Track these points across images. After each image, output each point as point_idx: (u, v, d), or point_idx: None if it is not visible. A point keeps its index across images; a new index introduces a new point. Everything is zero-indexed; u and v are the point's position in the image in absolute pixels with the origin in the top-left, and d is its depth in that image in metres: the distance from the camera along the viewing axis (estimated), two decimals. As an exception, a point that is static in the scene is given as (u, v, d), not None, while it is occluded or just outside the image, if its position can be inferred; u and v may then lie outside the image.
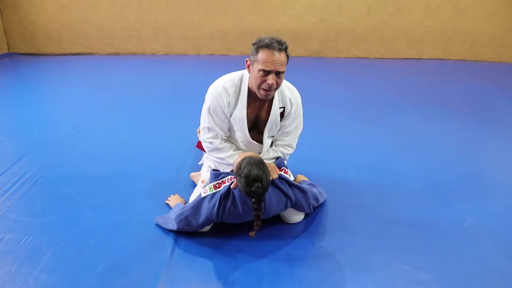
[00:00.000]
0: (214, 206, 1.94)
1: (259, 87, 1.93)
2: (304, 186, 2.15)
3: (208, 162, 2.29)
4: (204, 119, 2.12)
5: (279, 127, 2.16)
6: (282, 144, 2.22)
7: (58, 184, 2.61)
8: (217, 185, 1.98)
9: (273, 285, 1.78)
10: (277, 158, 2.22)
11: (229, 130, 2.16)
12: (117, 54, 6.41)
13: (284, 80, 2.06)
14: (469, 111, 4.02)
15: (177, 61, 6.05)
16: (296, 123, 2.19)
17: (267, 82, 1.88)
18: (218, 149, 2.12)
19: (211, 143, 2.13)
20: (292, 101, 2.11)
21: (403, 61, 6.15)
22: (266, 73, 1.87)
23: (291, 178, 2.13)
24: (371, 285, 1.81)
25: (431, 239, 2.11)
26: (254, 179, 1.77)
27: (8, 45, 6.40)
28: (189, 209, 2.01)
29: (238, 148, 2.20)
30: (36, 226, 2.19)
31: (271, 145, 2.26)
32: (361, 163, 2.93)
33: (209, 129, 2.11)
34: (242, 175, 1.80)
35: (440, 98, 4.45)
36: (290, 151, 2.24)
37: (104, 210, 2.34)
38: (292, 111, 2.12)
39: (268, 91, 1.92)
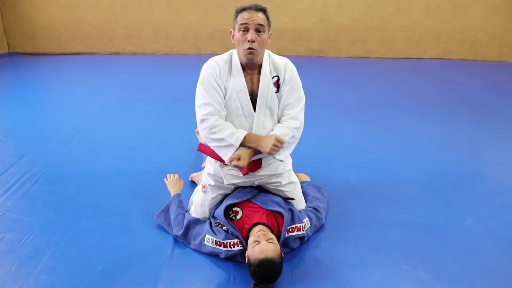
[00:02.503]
0: (218, 254, 1.96)
1: (242, 47, 1.91)
2: (305, 234, 2.03)
3: (209, 167, 2.21)
4: (199, 96, 1.98)
5: (276, 99, 2.01)
6: (287, 118, 2.02)
7: (58, 184, 2.61)
8: (218, 243, 1.94)
9: (273, 285, 1.77)
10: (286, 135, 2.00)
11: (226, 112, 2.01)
12: (117, 53, 6.40)
13: (273, 53, 2.06)
14: (469, 111, 4.02)
15: (177, 61, 6.05)
16: (296, 94, 2.03)
17: (247, 38, 1.88)
18: (215, 126, 1.91)
19: (206, 120, 1.92)
20: (286, 67, 2.01)
21: (403, 61, 6.14)
22: (246, 29, 1.89)
23: (307, 226, 2.05)
24: (371, 285, 1.81)
25: (431, 239, 2.11)
26: (262, 280, 1.74)
27: (8, 44, 6.40)
28: (192, 244, 2.02)
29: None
30: (36, 226, 2.19)
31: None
32: (361, 163, 2.93)
33: (205, 104, 1.94)
34: (253, 271, 1.74)
35: (440, 98, 4.44)
36: (296, 123, 2.00)
37: (104, 210, 2.34)
38: (287, 76, 2.00)
39: (251, 49, 1.89)
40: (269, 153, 1.90)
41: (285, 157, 2.04)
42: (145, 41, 6.36)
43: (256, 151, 1.96)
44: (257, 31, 1.90)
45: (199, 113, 1.96)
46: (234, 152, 1.92)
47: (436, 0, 5.94)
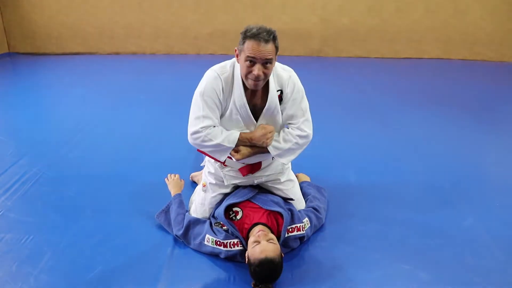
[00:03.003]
0: (218, 254, 1.96)
1: (246, 77, 1.85)
2: (305, 234, 2.03)
3: (209, 166, 2.23)
4: (198, 107, 1.92)
5: (279, 111, 1.98)
6: (292, 127, 2.03)
7: (58, 184, 2.61)
8: (218, 243, 1.94)
9: (273, 285, 1.77)
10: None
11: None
12: (117, 53, 6.40)
13: (277, 62, 1.98)
14: (469, 111, 4.02)
15: (177, 61, 6.05)
16: (299, 105, 2.00)
17: (253, 73, 1.80)
18: (208, 134, 1.90)
19: (200, 132, 1.90)
20: (289, 81, 1.97)
21: (403, 61, 6.14)
22: (253, 63, 1.79)
23: (307, 226, 2.05)
24: (371, 285, 1.81)
25: (431, 239, 2.11)
26: (262, 280, 1.74)
27: (8, 44, 6.40)
28: (192, 244, 2.02)
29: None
30: (36, 226, 2.19)
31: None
32: (361, 163, 2.93)
33: (204, 117, 1.90)
34: (253, 271, 1.74)
35: (440, 98, 4.44)
36: (299, 132, 2.00)
37: (104, 210, 2.35)
38: (289, 90, 1.96)
39: (256, 83, 1.85)
40: (266, 145, 1.95)
41: (288, 161, 2.06)
42: (145, 41, 6.35)
43: (256, 149, 1.98)
44: (264, 64, 1.80)
45: (196, 125, 1.91)
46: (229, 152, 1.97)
47: (436, 0, 5.94)
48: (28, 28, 6.28)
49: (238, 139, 1.93)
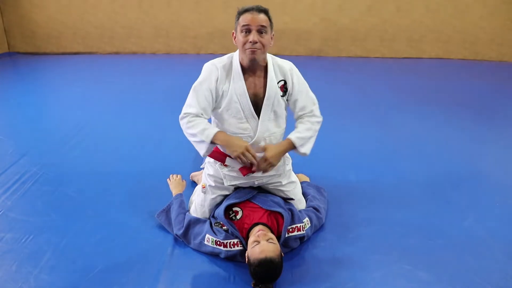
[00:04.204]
0: (218, 254, 1.96)
1: (243, 48, 1.91)
2: (305, 234, 2.03)
3: (209, 168, 2.22)
4: (189, 96, 2.00)
5: (282, 103, 2.03)
6: (306, 116, 2.10)
7: (59, 183, 2.61)
8: (218, 243, 1.94)
9: (273, 285, 1.77)
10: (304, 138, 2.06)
11: (221, 119, 2.03)
12: (117, 53, 6.40)
13: (276, 57, 2.05)
14: (469, 111, 4.02)
15: (177, 61, 6.05)
16: (308, 95, 2.11)
17: (249, 40, 1.87)
18: (190, 122, 1.94)
19: (185, 118, 1.96)
20: (292, 72, 2.04)
21: (403, 60, 6.14)
22: (248, 32, 1.88)
23: (307, 226, 2.05)
24: (371, 285, 1.81)
25: (431, 239, 2.11)
26: (262, 280, 1.74)
27: (8, 44, 6.40)
28: (192, 244, 2.02)
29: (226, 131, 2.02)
30: (37, 225, 2.19)
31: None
32: (361, 163, 2.93)
33: (189, 105, 1.97)
34: (253, 271, 1.74)
35: (440, 98, 4.44)
36: (316, 119, 2.11)
37: (104, 210, 2.35)
38: (295, 81, 2.04)
39: (253, 49, 1.88)
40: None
41: (308, 150, 2.11)
42: (145, 41, 6.36)
43: (284, 148, 2.02)
44: (259, 32, 1.88)
45: (182, 111, 1.99)
46: (207, 147, 1.94)
47: (436, 0, 5.94)
48: (28, 27, 6.28)
49: (214, 136, 1.91)
